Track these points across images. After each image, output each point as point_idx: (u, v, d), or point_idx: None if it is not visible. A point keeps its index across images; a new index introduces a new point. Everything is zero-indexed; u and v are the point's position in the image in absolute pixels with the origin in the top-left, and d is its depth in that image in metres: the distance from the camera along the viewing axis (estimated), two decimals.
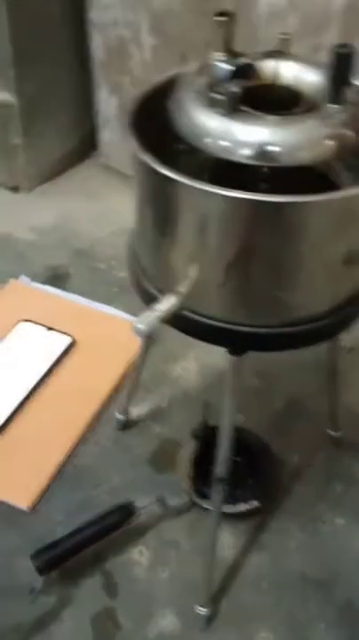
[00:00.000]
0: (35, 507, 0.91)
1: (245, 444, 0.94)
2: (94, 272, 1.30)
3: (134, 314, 1.19)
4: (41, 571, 0.79)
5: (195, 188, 0.50)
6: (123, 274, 1.30)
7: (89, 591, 0.83)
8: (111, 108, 1.43)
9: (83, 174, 1.56)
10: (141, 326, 0.56)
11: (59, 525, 0.88)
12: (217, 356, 1.09)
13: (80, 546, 0.82)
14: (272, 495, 0.92)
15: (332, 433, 0.98)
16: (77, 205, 1.46)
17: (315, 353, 1.11)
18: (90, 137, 1.53)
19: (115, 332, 1.16)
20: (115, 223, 1.40)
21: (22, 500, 0.91)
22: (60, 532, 0.85)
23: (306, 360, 1.09)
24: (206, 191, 0.50)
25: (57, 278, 1.28)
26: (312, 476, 0.96)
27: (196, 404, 1.02)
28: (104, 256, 1.34)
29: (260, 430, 0.97)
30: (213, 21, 0.54)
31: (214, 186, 0.49)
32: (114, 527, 0.83)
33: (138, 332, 0.56)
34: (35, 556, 0.80)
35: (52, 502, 0.92)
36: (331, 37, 1.00)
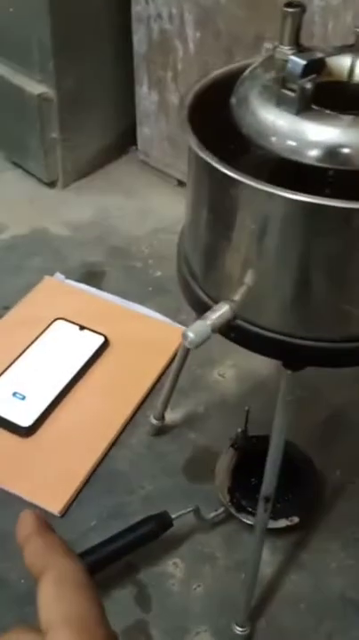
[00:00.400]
0: (66, 511, 0.89)
1: (287, 457, 0.90)
2: (130, 271, 1.28)
3: (169, 315, 1.16)
4: None
5: (258, 189, 0.47)
6: (159, 273, 1.27)
7: (121, 603, 0.80)
8: (151, 103, 1.40)
9: (121, 171, 1.53)
10: (192, 335, 0.52)
11: (91, 531, 0.86)
12: (256, 362, 1.06)
13: (113, 555, 0.79)
14: (313, 511, 0.88)
15: None
16: (114, 202, 1.43)
17: None
18: (129, 133, 1.50)
19: (149, 332, 1.13)
20: (153, 221, 1.37)
21: (53, 505, 0.88)
22: (92, 538, 0.82)
23: (349, 371, 1.04)
24: (270, 193, 0.46)
25: (92, 276, 1.26)
26: (355, 492, 0.92)
27: (234, 411, 0.99)
28: (140, 255, 1.31)
29: (302, 443, 0.93)
30: (281, 12, 0.50)
31: (280, 188, 0.46)
32: (148, 537, 0.80)
33: (189, 341, 0.52)
34: None
35: (84, 507, 0.89)
36: None
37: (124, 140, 1.54)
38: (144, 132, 1.46)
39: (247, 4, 1.09)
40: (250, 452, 0.89)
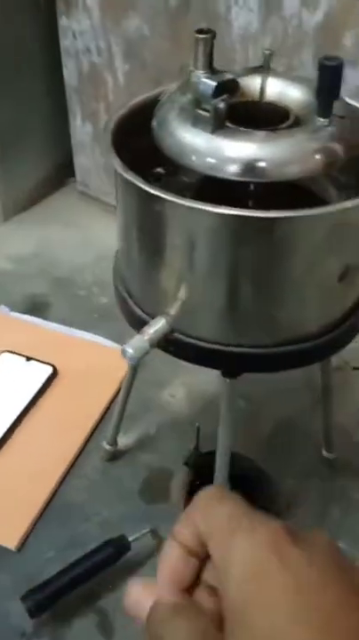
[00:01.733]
0: (22, 545, 0.87)
1: (239, 470, 0.91)
2: (75, 299, 1.28)
3: (116, 340, 1.17)
4: (32, 613, 0.75)
5: (183, 206, 0.49)
6: (105, 300, 1.28)
7: (83, 632, 0.79)
8: (86, 134, 1.42)
9: (61, 202, 1.54)
10: (131, 351, 0.54)
11: (49, 563, 0.84)
12: (205, 380, 1.08)
13: (72, 584, 0.78)
14: None
15: (326, 454, 0.96)
16: (55, 233, 1.44)
17: (303, 373, 1.10)
18: (66, 164, 1.52)
19: (97, 359, 1.13)
20: (95, 250, 1.38)
21: (9, 540, 0.87)
22: (51, 570, 0.81)
23: (293, 381, 1.07)
24: (194, 208, 0.48)
25: (37, 307, 1.26)
26: (309, 500, 0.93)
27: (186, 430, 1.00)
28: (84, 283, 1.31)
29: (253, 454, 0.94)
30: (194, 39, 0.53)
31: (201, 202, 0.48)
32: (106, 563, 0.80)
33: (128, 357, 0.53)
34: (26, 597, 0.76)
35: (41, 540, 0.88)
36: (306, 57, 1.00)
37: (62, 172, 1.55)
38: (81, 162, 1.48)
39: (170, 37, 1.14)
40: (203, 469, 0.90)
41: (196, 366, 1.12)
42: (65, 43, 1.31)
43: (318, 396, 0.98)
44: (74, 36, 1.29)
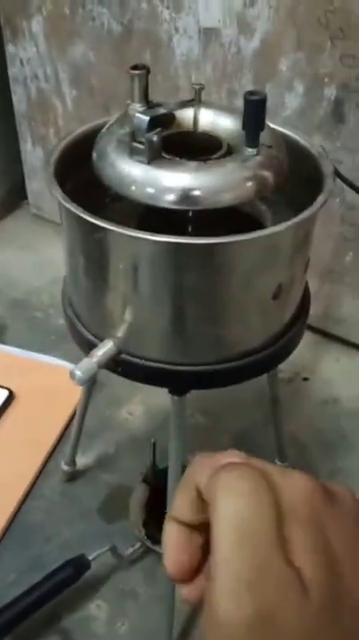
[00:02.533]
0: None
1: None
2: (31, 322, 1.29)
3: (74, 361, 1.17)
4: None
5: (122, 234, 0.51)
6: (61, 322, 1.28)
7: None
8: (37, 159, 1.44)
9: (14, 225, 1.55)
10: (79, 373, 0.55)
11: (11, 587, 0.85)
12: (163, 397, 1.09)
13: (33, 607, 0.79)
14: None
15: (279, 463, 0.98)
16: (11, 256, 1.45)
17: (255, 387, 1.13)
18: (19, 188, 1.54)
19: (54, 381, 1.14)
20: (50, 272, 1.39)
21: None
22: (12, 593, 0.81)
23: (246, 394, 1.10)
24: (133, 237, 0.51)
25: None
26: None
27: (144, 447, 1.02)
28: (41, 305, 1.32)
29: None
30: (129, 74, 0.56)
31: (140, 231, 0.50)
32: (67, 583, 0.81)
33: (76, 379, 0.55)
34: None
35: (1, 564, 0.88)
36: (245, 82, 1.04)
37: (15, 196, 1.56)
38: (33, 186, 1.50)
39: (115, 63, 1.17)
40: (160, 485, 0.92)
41: None
42: (13, 70, 1.33)
43: (270, 411, 1.01)
44: (21, 63, 1.31)
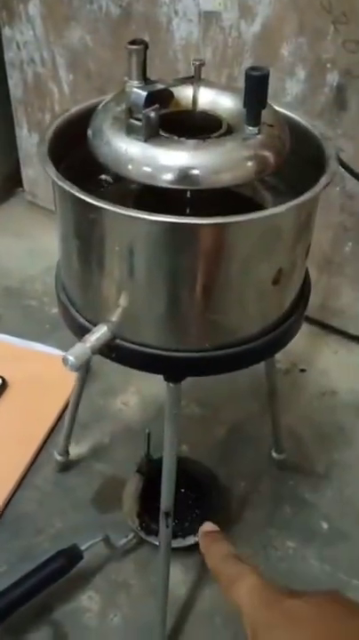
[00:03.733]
0: None
1: (191, 475, 0.92)
2: (25, 310, 1.27)
3: (66, 350, 1.16)
4: None
5: (118, 214, 0.49)
6: (56, 310, 1.27)
7: None
8: (33, 145, 1.42)
9: (9, 212, 1.53)
10: (72, 358, 0.54)
11: (2, 577, 0.83)
12: (158, 387, 1.08)
13: (25, 597, 0.77)
14: (221, 525, 0.90)
15: (276, 455, 0.97)
16: (5, 243, 1.43)
17: (251, 378, 1.12)
18: (14, 175, 1.51)
19: (48, 369, 1.12)
20: (45, 260, 1.37)
21: None
22: (3, 584, 0.80)
23: (243, 386, 1.09)
24: (129, 216, 0.49)
25: None
26: (260, 501, 0.95)
27: (139, 438, 1.00)
28: (35, 293, 1.31)
29: (205, 459, 0.95)
30: (127, 49, 0.54)
31: (137, 210, 0.49)
32: (59, 574, 0.79)
33: (69, 364, 0.54)
34: None
35: None
36: (246, 67, 1.02)
37: (10, 183, 1.54)
38: (29, 173, 1.48)
39: (113, 46, 1.14)
40: (154, 475, 0.90)
41: (148, 374, 1.13)
42: (9, 54, 1.31)
43: (266, 401, 1.00)
44: (17, 46, 1.28)
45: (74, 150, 0.59)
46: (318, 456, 1.01)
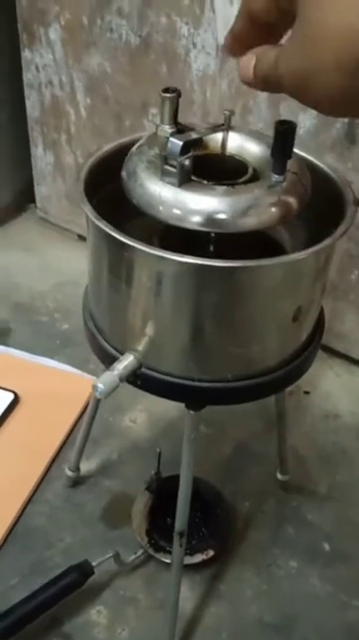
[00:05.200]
0: None
1: (197, 493, 0.95)
2: (36, 326, 1.30)
3: (78, 366, 1.20)
4: None
5: (150, 254, 0.53)
6: (66, 326, 1.30)
7: None
8: (47, 164, 1.45)
9: (21, 228, 1.56)
10: (101, 386, 0.57)
11: (13, 590, 0.86)
12: (166, 406, 1.12)
13: (36, 611, 0.80)
14: (226, 543, 0.93)
15: (280, 477, 1.00)
16: (16, 259, 1.46)
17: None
18: (27, 191, 1.55)
19: (59, 385, 1.15)
20: (55, 276, 1.41)
21: None
22: (14, 596, 0.82)
23: (249, 405, 1.11)
24: (160, 256, 0.52)
25: None
26: (264, 520, 0.98)
27: (147, 455, 1.03)
28: (45, 309, 1.34)
29: (210, 477, 0.98)
30: (160, 97, 0.57)
31: (167, 252, 0.52)
32: (71, 588, 0.82)
33: (99, 392, 0.57)
34: None
35: (4, 566, 0.89)
36: (260, 100, 1.06)
37: (23, 199, 1.58)
38: (42, 190, 1.51)
39: (131, 74, 1.18)
40: (164, 493, 0.93)
41: None
42: (28, 75, 1.34)
43: (272, 421, 1.03)
44: (37, 69, 1.32)
45: (102, 186, 0.62)
46: (321, 477, 1.04)
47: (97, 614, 0.85)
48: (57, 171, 1.44)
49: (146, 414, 1.13)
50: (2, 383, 1.12)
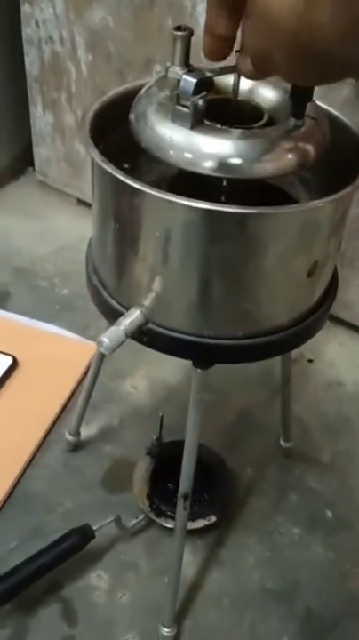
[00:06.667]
0: None
1: (199, 459, 0.93)
2: (35, 290, 1.27)
3: (78, 332, 1.17)
4: None
5: (160, 198, 0.50)
6: (66, 291, 1.27)
7: (47, 621, 0.80)
8: (46, 124, 1.41)
9: (19, 192, 1.52)
10: (107, 341, 0.54)
11: (12, 553, 0.85)
12: (167, 371, 1.10)
13: (38, 573, 0.78)
14: (228, 509, 0.92)
15: (283, 444, 0.99)
16: (15, 223, 1.42)
17: (261, 366, 1.13)
18: (25, 154, 1.51)
19: (59, 350, 1.13)
20: (55, 241, 1.38)
21: None
22: (14, 560, 0.81)
23: (252, 373, 1.10)
24: (171, 201, 0.49)
25: None
26: (266, 487, 0.96)
27: (148, 420, 1.02)
28: (45, 274, 1.31)
29: (213, 445, 0.96)
30: (172, 35, 0.54)
31: (177, 196, 0.49)
32: (72, 551, 0.80)
33: (104, 347, 0.54)
34: None
35: (3, 530, 0.88)
36: None
37: (21, 162, 1.54)
38: (40, 152, 1.47)
39: (135, 28, 1.14)
40: (165, 458, 0.92)
41: (157, 359, 1.13)
42: (27, 31, 1.29)
43: (274, 390, 1.01)
44: (36, 24, 1.27)
45: (107, 134, 0.59)
46: (324, 445, 1.03)
47: (97, 578, 0.84)
48: (56, 131, 1.40)
49: (146, 381, 1.11)
50: (0, 347, 1.10)
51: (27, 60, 1.34)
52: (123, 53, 1.19)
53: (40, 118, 1.41)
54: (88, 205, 1.45)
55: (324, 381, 1.13)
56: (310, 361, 1.16)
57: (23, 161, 1.53)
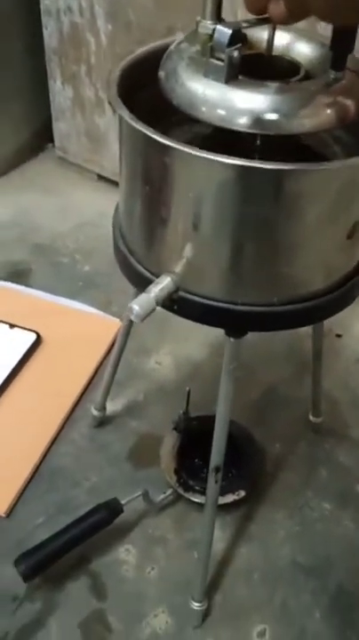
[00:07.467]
0: (11, 511, 0.87)
1: (229, 435, 0.92)
2: (57, 267, 1.26)
3: (100, 308, 1.16)
4: (26, 577, 0.75)
5: (193, 156, 0.47)
6: (88, 268, 1.26)
7: (76, 595, 0.79)
8: (66, 99, 1.39)
9: (39, 168, 1.51)
10: (137, 308, 0.53)
11: (39, 528, 0.84)
12: (192, 348, 1.08)
13: (66, 547, 0.78)
14: (257, 484, 0.91)
15: (313, 419, 0.97)
16: (35, 200, 1.41)
17: (287, 341, 1.11)
18: (44, 130, 1.49)
19: (82, 326, 1.12)
20: (76, 217, 1.36)
21: None
22: (40, 535, 0.81)
23: (279, 349, 1.08)
24: (205, 158, 0.47)
25: (18, 274, 1.23)
26: (295, 463, 0.95)
27: (173, 396, 1.00)
28: (66, 250, 1.29)
29: (242, 420, 0.95)
30: None
31: (211, 153, 0.47)
32: (100, 525, 0.80)
33: (134, 314, 0.53)
34: (19, 561, 0.75)
35: (30, 505, 0.88)
36: None
37: (40, 138, 1.52)
38: (60, 127, 1.45)
39: None
40: (192, 433, 0.91)
41: (182, 335, 1.11)
42: (45, 2, 1.27)
43: (302, 366, 0.99)
44: None
45: (134, 96, 0.57)
46: (353, 421, 1.01)
47: (125, 553, 0.84)
48: (76, 105, 1.38)
49: (171, 357, 1.09)
50: (24, 323, 1.09)
51: (45, 33, 1.32)
52: (144, 22, 1.16)
53: (59, 92, 1.39)
54: (108, 181, 1.43)
55: (354, 356, 1.11)
56: (339, 336, 1.14)
57: (43, 137, 1.51)
